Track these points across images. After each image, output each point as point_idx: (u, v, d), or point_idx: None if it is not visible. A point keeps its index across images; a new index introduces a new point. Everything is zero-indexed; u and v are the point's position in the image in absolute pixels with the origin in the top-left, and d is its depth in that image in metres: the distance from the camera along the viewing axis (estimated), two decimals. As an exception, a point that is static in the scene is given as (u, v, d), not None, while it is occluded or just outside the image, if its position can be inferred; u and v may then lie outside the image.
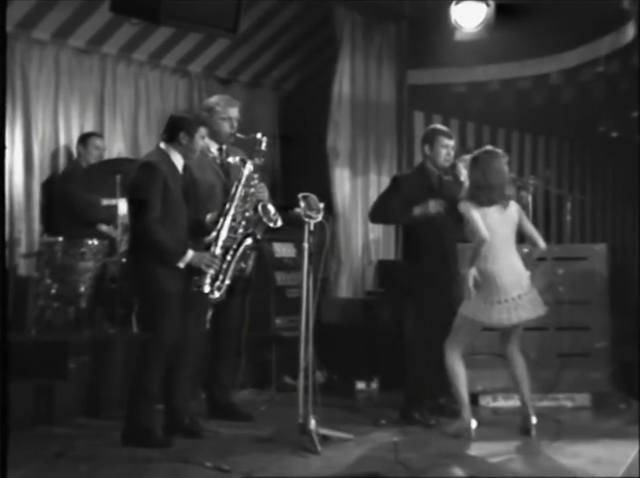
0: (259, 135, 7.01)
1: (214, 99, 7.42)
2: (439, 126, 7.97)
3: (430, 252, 7.31)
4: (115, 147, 9.68)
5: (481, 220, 6.64)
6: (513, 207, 6.96)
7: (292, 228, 7.22)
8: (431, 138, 7.51)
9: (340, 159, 10.42)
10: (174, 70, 10.28)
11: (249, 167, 6.85)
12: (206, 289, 6.36)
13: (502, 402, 7.99)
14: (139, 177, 6.37)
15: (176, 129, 6.42)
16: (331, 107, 10.34)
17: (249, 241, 6.66)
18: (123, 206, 7.48)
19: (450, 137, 7.53)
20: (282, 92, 11.32)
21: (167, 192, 6.23)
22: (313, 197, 6.62)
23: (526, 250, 7.04)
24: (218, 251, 6.44)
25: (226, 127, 7.18)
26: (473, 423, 6.72)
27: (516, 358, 6.90)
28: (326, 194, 9.60)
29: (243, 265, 6.87)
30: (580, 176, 14.03)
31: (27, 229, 8.93)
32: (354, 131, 10.59)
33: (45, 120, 9.20)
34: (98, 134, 9.07)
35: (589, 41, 10.39)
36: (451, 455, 6.19)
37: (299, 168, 10.48)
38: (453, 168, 7.44)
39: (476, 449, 6.38)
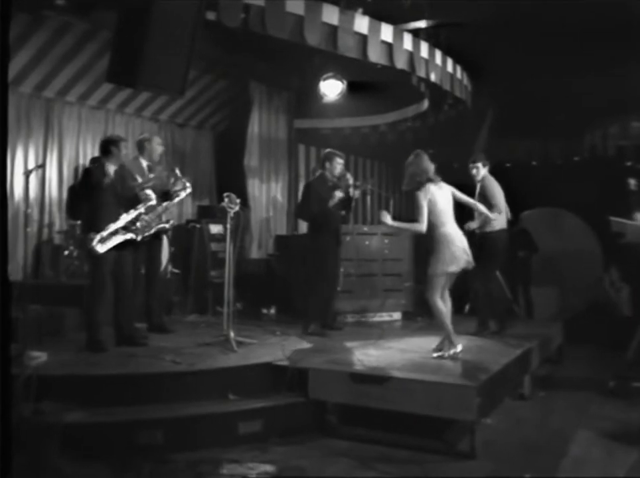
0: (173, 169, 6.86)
1: (149, 135, 7.39)
2: (334, 150, 7.54)
3: (324, 232, 7.23)
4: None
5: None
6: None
7: (221, 215, 7.22)
8: (330, 157, 7.36)
9: (251, 172, 10.41)
10: (149, 119, 10.09)
11: (148, 166, 6.95)
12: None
13: (360, 318, 8.21)
14: (82, 175, 6.28)
15: (107, 145, 6.17)
16: (247, 140, 10.34)
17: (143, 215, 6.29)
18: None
19: (342, 158, 7.42)
20: (217, 132, 11.17)
21: (99, 185, 5.96)
22: (233, 195, 6.54)
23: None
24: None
25: (155, 153, 7.09)
26: (459, 348, 5.88)
27: (448, 299, 5.98)
28: (243, 194, 9.71)
29: (167, 226, 6.68)
30: (398, 184, 14.23)
31: (60, 216, 8.82)
32: (261, 156, 10.59)
33: (71, 150, 9.09)
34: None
35: (402, 107, 10.76)
36: (318, 349, 6.30)
37: (227, 177, 10.47)
38: (342, 177, 7.37)
39: (342, 343, 6.57)
